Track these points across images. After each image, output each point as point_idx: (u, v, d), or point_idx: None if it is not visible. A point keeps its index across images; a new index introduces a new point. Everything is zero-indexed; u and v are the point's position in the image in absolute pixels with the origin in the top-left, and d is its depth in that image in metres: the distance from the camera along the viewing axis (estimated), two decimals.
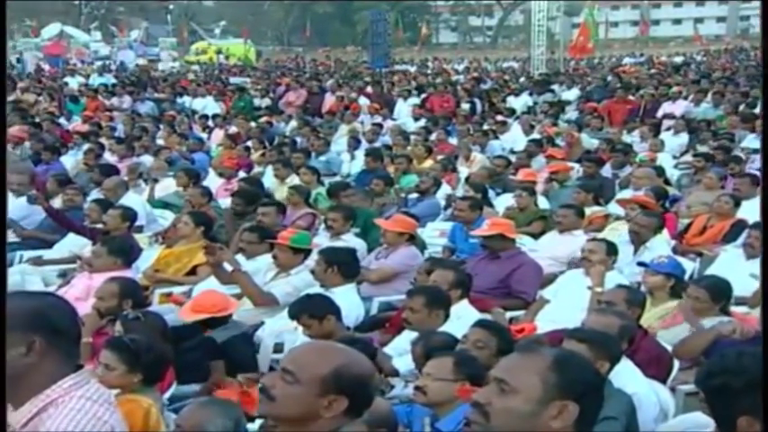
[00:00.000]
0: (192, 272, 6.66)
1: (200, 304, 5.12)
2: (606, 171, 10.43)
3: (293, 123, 16.40)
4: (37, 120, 15.59)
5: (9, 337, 2.24)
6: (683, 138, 13.17)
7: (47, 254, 7.59)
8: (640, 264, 5.83)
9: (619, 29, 71.20)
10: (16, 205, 8.36)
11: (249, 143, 13.12)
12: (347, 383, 2.27)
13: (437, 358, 3.72)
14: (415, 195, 9.22)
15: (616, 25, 70.00)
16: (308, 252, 6.19)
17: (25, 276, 7.03)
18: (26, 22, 55.22)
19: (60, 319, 2.34)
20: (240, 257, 6.37)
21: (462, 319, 4.82)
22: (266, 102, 20.23)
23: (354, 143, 13.09)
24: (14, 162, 10.95)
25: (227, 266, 5.88)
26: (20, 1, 63.72)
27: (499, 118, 16.02)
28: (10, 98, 20.19)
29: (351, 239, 7.03)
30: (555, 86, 21.71)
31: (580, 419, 2.19)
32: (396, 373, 4.53)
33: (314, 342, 3.77)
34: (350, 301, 5.36)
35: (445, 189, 9.55)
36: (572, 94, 20.74)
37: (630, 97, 17.33)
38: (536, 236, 7.70)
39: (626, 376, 3.91)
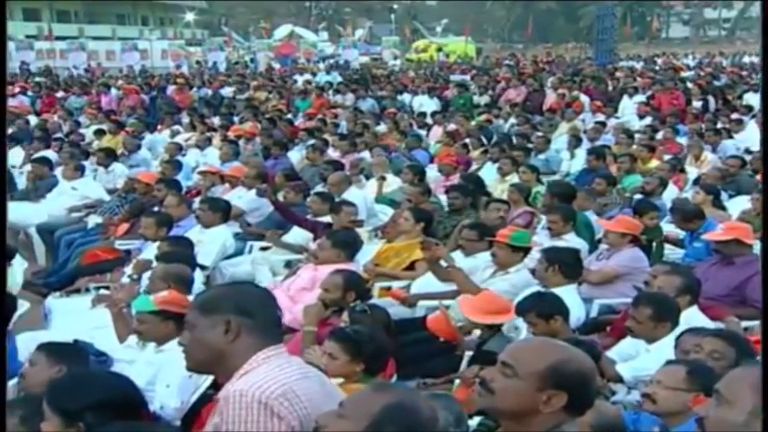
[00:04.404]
0: (411, 267, 6.74)
1: (485, 307, 5.01)
2: None
3: (512, 120, 16.28)
4: (267, 116, 16.49)
5: (211, 320, 2.59)
6: None
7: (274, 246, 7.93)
8: None
9: None
10: (247, 198, 8.85)
11: (467, 140, 13.16)
12: (566, 379, 2.27)
13: (670, 366, 3.53)
14: (638, 196, 8.85)
15: None
16: (526, 250, 6.09)
17: (255, 266, 7.42)
18: (261, 24, 58.58)
19: (252, 303, 2.65)
20: (458, 254, 6.37)
21: (691, 326, 4.55)
22: (485, 99, 20.21)
23: (575, 141, 12.77)
24: (247, 157, 11.63)
25: (444, 263, 5.89)
26: (257, 1, 68.01)
27: (734, 116, 15.05)
28: (244, 95, 21.53)
29: (572, 239, 6.85)
30: None
31: None
32: (619, 379, 4.36)
33: (534, 338, 3.72)
34: (570, 302, 5.20)
35: (672, 190, 9.11)
36: None
37: None
38: None
39: None
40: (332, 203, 7.78)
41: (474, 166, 11.41)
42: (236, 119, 16.65)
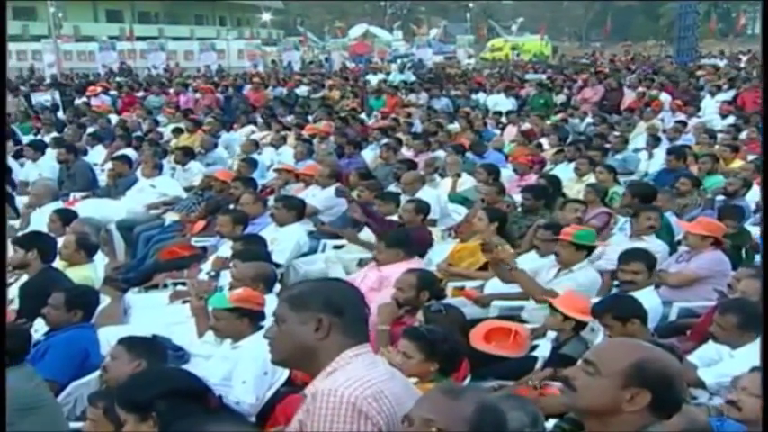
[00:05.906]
0: (485, 267, 6.67)
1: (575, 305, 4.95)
2: None
3: (588, 120, 16.02)
4: (341, 115, 16.57)
5: (301, 317, 2.55)
6: None
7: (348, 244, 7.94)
8: None
9: None
10: (321, 196, 8.89)
11: (543, 140, 13.01)
12: (650, 377, 2.24)
13: (755, 372, 3.41)
14: (720, 197, 8.60)
15: None
16: (590, 249, 5.98)
17: (329, 264, 7.46)
18: (336, 24, 59.02)
19: (342, 301, 2.60)
20: (533, 254, 6.28)
21: None
22: (561, 98, 19.95)
23: (654, 141, 12.49)
24: (321, 155, 11.69)
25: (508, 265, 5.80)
26: (333, 1, 68.63)
27: None
28: (318, 95, 21.69)
29: (651, 241, 6.69)
30: None
31: None
32: (701, 384, 4.23)
33: (618, 338, 3.67)
34: (649, 304, 5.07)
35: (756, 192, 8.82)
36: None
37: None
38: None
39: None
40: (396, 202, 7.80)
41: (548, 166, 11.26)
42: (310, 118, 16.79)
